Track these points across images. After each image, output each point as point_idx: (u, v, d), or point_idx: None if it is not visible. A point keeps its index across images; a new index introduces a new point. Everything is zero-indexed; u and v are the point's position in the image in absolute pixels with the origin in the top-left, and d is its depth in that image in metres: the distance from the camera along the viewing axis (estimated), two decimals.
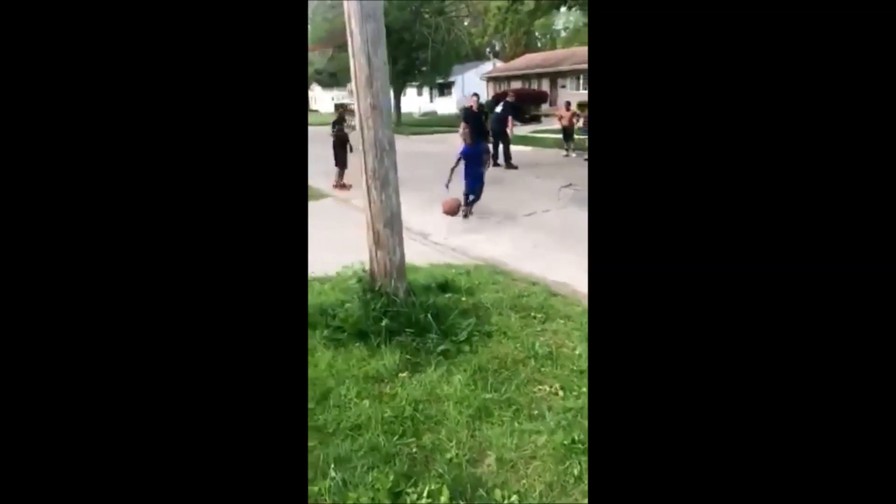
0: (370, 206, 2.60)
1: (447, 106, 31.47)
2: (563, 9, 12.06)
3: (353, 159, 8.83)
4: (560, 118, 11.07)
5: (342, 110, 9.17)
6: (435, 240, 5.34)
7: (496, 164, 9.55)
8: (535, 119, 21.60)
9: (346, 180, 8.33)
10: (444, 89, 31.42)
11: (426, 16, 20.25)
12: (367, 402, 2.09)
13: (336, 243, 5.24)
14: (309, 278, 3.91)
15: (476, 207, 6.55)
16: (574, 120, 11.01)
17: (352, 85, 2.47)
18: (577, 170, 8.91)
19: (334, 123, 8.46)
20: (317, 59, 10.85)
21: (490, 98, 22.65)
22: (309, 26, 8.63)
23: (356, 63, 2.39)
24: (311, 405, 2.08)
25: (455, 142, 9.22)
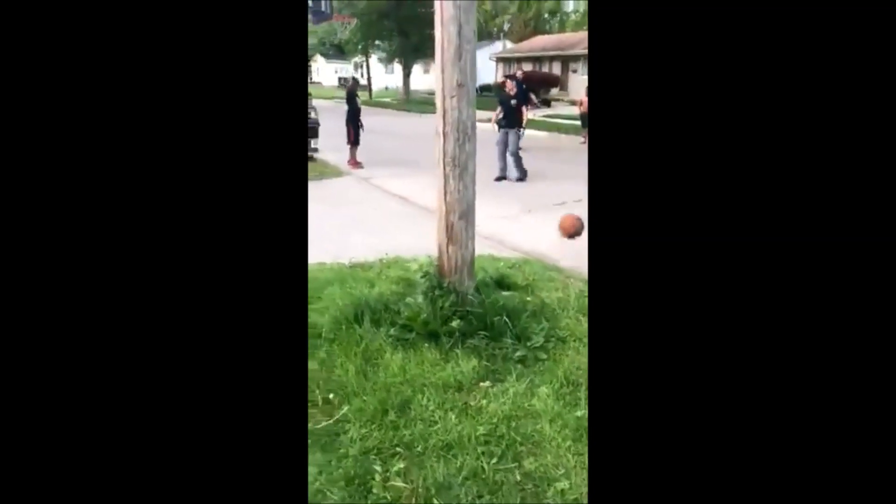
0: (445, 196, 2.36)
1: None
2: None
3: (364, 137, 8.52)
4: (580, 104, 10.77)
5: (354, 83, 8.83)
6: None
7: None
8: (546, 103, 21.20)
9: (358, 157, 8.12)
10: None
11: None
12: (452, 416, 1.89)
13: (363, 225, 5.00)
14: (347, 263, 3.69)
15: (503, 194, 6.33)
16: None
17: (437, 59, 2.20)
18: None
19: (349, 98, 8.11)
20: (338, 28, 10.44)
21: (500, 80, 22.15)
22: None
23: (444, 34, 2.13)
24: (391, 416, 1.88)
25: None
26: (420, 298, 2.52)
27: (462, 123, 2.24)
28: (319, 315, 2.53)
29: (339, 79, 39.03)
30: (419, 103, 21.63)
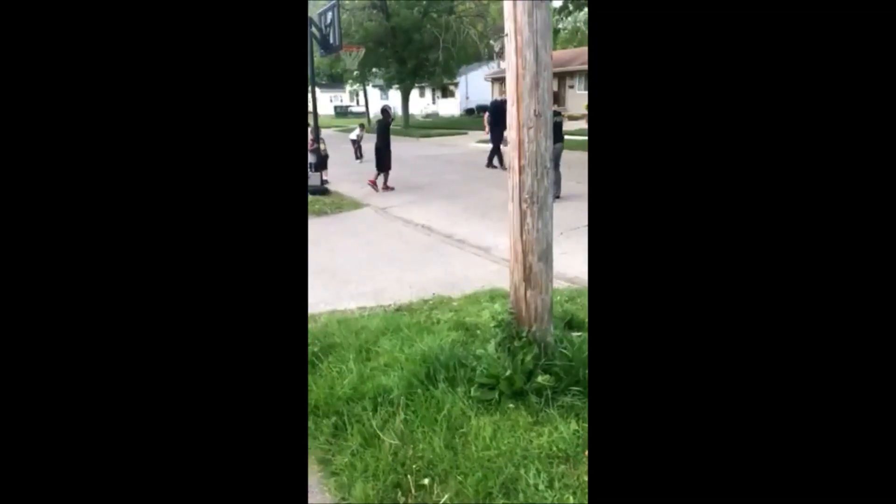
0: (521, 235, 2.13)
1: (450, 107, 31.01)
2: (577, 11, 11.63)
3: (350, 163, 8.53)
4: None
5: (388, 113, 8.70)
6: (499, 254, 4.87)
7: (492, 166, 9.22)
8: None
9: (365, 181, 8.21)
10: (446, 90, 30.98)
11: (434, 16, 19.80)
12: (570, 497, 1.62)
13: (393, 258, 4.74)
14: (391, 306, 3.45)
15: None
16: None
17: (510, 88, 2.00)
18: None
19: (384, 127, 8.22)
20: (347, 59, 10.41)
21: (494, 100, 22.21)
22: (341, 29, 8.26)
23: (519, 61, 1.93)
24: (500, 501, 1.61)
25: (465, 144, 8.90)
26: (493, 349, 2.27)
27: (540, 156, 2.02)
28: (385, 375, 2.27)
29: (335, 107, 39.41)
30: (417, 127, 21.68)
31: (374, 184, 8.12)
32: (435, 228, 5.91)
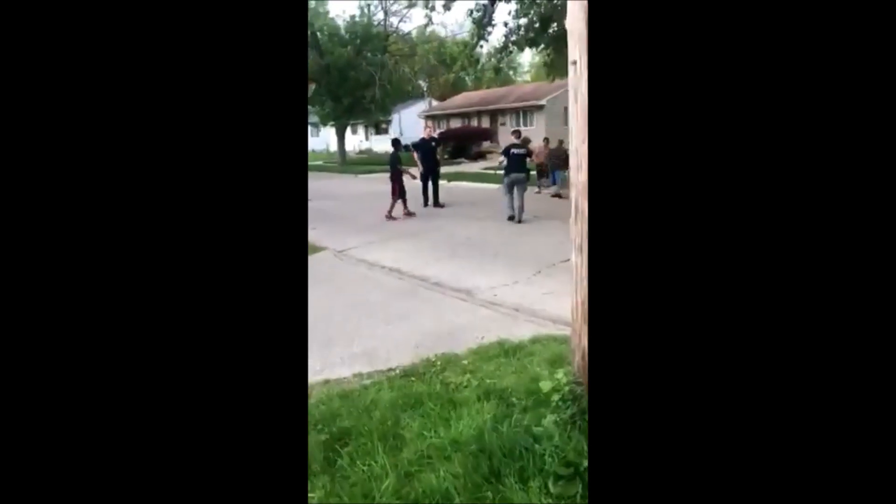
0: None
1: (383, 144, 30.95)
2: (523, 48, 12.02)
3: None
4: (536, 155, 10.77)
5: (398, 145, 9.35)
6: (484, 297, 4.56)
7: (425, 205, 9.17)
8: (481, 156, 21.60)
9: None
10: (380, 127, 30.96)
11: (368, 54, 19.81)
12: None
13: (369, 309, 4.17)
14: (390, 372, 2.99)
15: (503, 255, 5.86)
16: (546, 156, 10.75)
17: (573, 130, 1.73)
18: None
19: (396, 159, 8.76)
20: None
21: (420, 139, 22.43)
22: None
23: (579, 108, 1.67)
24: None
25: (407, 181, 8.97)
26: (552, 425, 1.92)
27: None
28: (432, 471, 1.83)
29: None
30: (353, 164, 21.31)
31: (390, 215, 8.43)
32: (405, 271, 5.50)
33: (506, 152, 8.05)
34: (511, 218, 7.71)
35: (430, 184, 9.46)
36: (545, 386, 1.92)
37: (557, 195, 9.73)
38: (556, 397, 1.94)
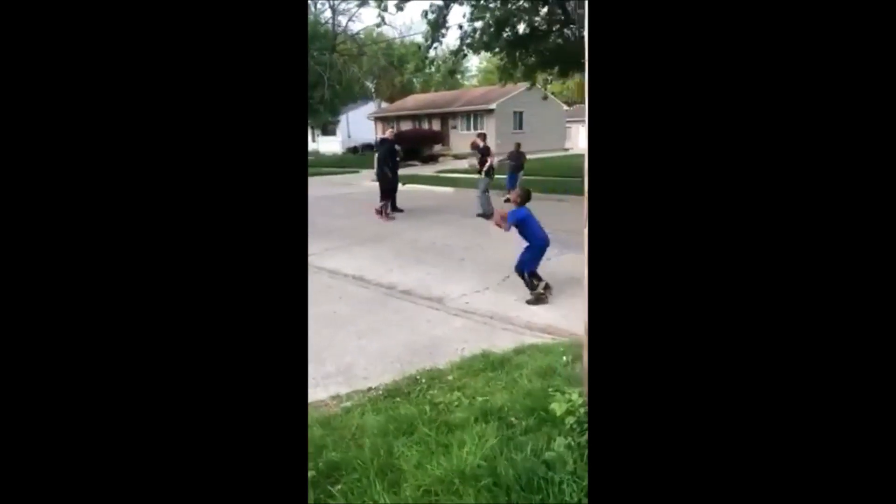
0: None
1: (330, 146, 30.21)
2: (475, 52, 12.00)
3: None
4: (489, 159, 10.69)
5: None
6: (456, 305, 4.41)
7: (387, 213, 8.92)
8: (434, 159, 21.51)
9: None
10: (327, 128, 30.20)
11: (315, 54, 19.24)
12: None
13: (337, 321, 3.74)
14: (371, 392, 2.78)
15: (470, 260, 5.70)
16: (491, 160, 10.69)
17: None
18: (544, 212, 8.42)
19: (382, 154, 8.58)
20: None
21: (378, 140, 22.12)
22: None
23: None
24: None
25: (359, 182, 8.94)
26: (563, 449, 1.79)
27: None
28: None
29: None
30: (318, 165, 20.58)
31: (380, 212, 8.37)
32: (370, 279, 5.27)
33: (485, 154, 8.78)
34: (481, 215, 8.28)
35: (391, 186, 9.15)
36: (558, 408, 1.79)
37: (507, 199, 9.78)
38: (570, 420, 1.81)
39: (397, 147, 9.46)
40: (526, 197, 4.66)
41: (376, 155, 9.16)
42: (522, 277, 4.47)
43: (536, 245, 4.50)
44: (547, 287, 4.45)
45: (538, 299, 4.38)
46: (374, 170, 9.11)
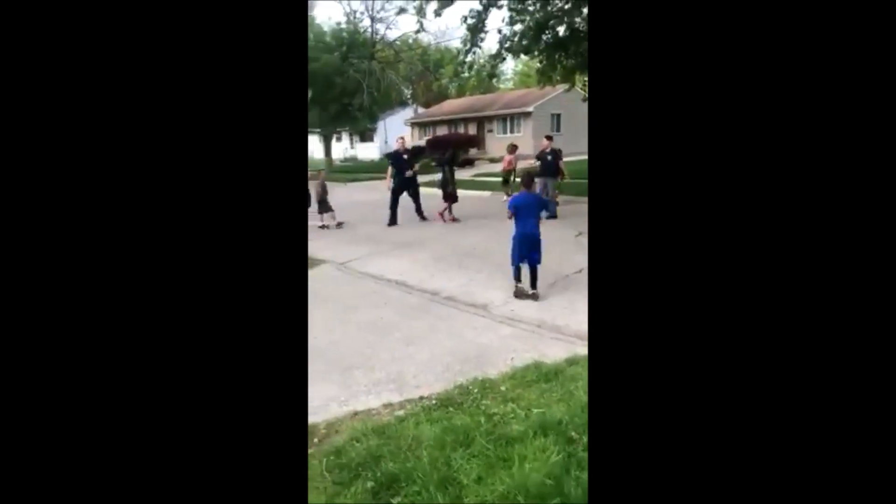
0: None
1: (368, 152, 30.66)
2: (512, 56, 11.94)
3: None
4: (507, 163, 10.45)
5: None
6: (501, 312, 4.34)
7: (390, 224, 8.61)
8: (469, 163, 21.49)
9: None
10: (365, 135, 30.67)
11: (354, 61, 19.57)
12: None
13: (381, 328, 3.75)
14: (424, 401, 2.76)
15: (471, 263, 5.64)
16: (514, 163, 10.41)
17: None
18: (572, 216, 8.30)
19: (444, 162, 8.98)
20: None
21: (421, 142, 22.24)
22: None
23: None
24: None
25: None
26: None
27: None
28: None
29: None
30: (339, 172, 20.99)
31: (442, 215, 8.70)
32: (412, 284, 5.27)
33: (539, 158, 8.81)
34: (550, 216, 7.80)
35: (399, 199, 8.63)
36: (557, 406, 1.70)
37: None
38: None
39: (406, 157, 8.80)
40: (529, 180, 4.60)
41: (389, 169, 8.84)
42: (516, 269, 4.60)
43: (517, 233, 4.51)
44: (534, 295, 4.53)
45: (519, 292, 4.58)
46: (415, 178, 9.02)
